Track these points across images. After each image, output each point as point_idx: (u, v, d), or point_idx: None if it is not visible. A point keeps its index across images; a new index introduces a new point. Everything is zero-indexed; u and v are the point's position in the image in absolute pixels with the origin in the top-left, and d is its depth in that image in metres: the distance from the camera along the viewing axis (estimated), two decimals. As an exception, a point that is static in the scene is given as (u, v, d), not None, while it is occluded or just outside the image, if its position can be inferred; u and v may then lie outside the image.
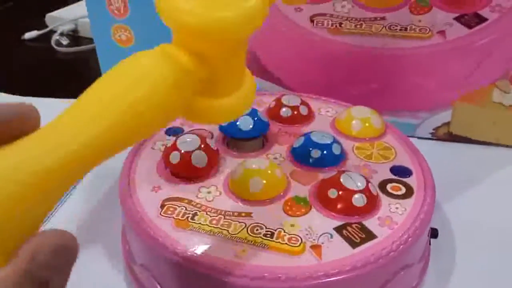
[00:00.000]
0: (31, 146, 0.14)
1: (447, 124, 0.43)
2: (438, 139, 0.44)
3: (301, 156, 0.31)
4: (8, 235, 0.12)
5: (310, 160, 0.31)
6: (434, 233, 0.31)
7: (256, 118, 0.33)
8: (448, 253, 0.32)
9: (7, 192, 0.12)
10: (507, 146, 0.43)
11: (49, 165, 0.14)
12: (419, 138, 0.43)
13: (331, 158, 0.31)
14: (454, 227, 0.35)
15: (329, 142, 0.31)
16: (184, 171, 0.30)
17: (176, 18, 0.18)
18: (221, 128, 0.33)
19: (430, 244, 0.31)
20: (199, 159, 0.29)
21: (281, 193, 0.28)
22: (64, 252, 0.13)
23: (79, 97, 0.17)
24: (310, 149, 0.31)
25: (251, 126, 0.32)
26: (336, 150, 0.31)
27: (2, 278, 0.11)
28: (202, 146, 0.30)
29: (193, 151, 0.29)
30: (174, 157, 0.30)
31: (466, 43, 0.39)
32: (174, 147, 0.30)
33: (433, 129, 0.44)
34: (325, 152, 0.31)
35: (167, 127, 0.34)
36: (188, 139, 0.30)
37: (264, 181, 0.28)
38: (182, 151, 0.29)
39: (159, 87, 0.18)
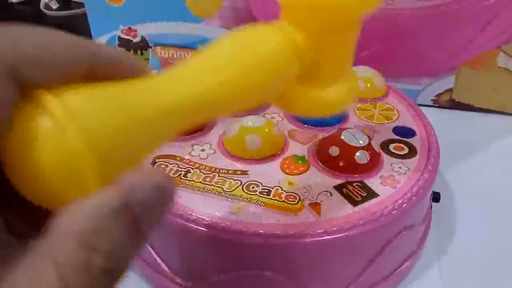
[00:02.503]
0: (152, 84, 0.13)
1: (450, 90, 0.42)
2: (440, 106, 0.43)
3: (301, 116, 0.30)
4: (112, 162, 0.11)
5: (312, 120, 0.29)
6: (436, 197, 0.30)
7: None
8: (449, 217, 0.32)
9: (122, 121, 0.12)
10: (510, 114, 0.42)
11: (167, 105, 0.13)
12: (420, 105, 0.42)
13: (334, 117, 0.29)
14: (455, 193, 0.34)
15: None
16: None
17: None
18: None
19: (431, 208, 0.30)
20: None
21: (279, 152, 0.27)
22: (163, 193, 0.12)
23: (203, 50, 0.17)
24: None
25: None
26: None
27: (98, 205, 0.10)
28: None
29: None
30: None
31: (471, 4, 0.37)
32: None
33: (435, 96, 0.42)
34: None
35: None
36: None
37: (261, 139, 0.26)
38: None
39: (277, 57, 0.17)
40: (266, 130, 0.27)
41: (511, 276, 0.28)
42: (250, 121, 0.27)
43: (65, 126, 0.10)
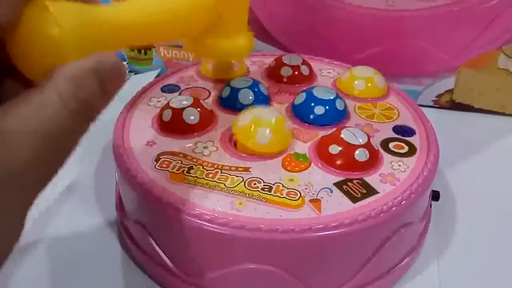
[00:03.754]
0: (105, 9, 0.19)
1: (450, 91, 0.42)
2: (441, 107, 0.43)
3: (302, 113, 0.30)
4: (84, 44, 0.17)
5: (312, 117, 0.30)
6: (435, 196, 0.30)
7: (257, 91, 0.31)
8: (449, 217, 0.32)
9: (89, 23, 0.18)
10: (510, 115, 0.42)
11: (114, 21, 0.20)
12: (421, 106, 0.42)
13: (334, 115, 0.30)
14: (455, 193, 0.34)
15: (331, 97, 0.30)
16: (177, 129, 0.28)
17: None
18: (221, 100, 0.32)
19: (431, 206, 0.30)
20: (191, 116, 0.29)
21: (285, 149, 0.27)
22: (120, 67, 0.17)
23: None
24: (313, 105, 0.30)
25: (251, 100, 0.31)
26: (339, 105, 0.30)
27: (81, 64, 0.16)
28: (195, 103, 0.29)
29: (184, 108, 0.29)
30: (167, 115, 0.29)
31: (473, 4, 0.37)
32: (167, 106, 0.29)
33: (436, 97, 0.43)
34: (327, 108, 0.30)
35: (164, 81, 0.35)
36: (180, 99, 0.29)
37: (272, 134, 0.26)
38: (174, 108, 0.29)
39: (192, 5, 0.24)
40: (278, 125, 0.27)
41: (509, 274, 0.28)
42: (263, 113, 0.27)
43: (56, 18, 0.16)
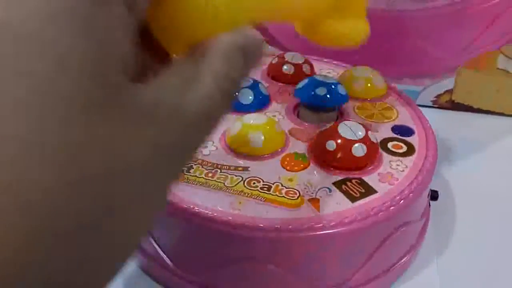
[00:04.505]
0: None
1: (450, 91, 0.42)
2: (440, 107, 0.43)
3: (304, 95, 0.30)
4: (233, 17, 0.16)
5: (314, 99, 0.30)
6: (434, 195, 0.30)
7: (257, 91, 0.31)
8: (447, 216, 0.32)
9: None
10: (509, 115, 0.42)
11: None
12: (420, 106, 0.42)
13: (337, 98, 0.30)
14: (454, 193, 0.34)
15: (334, 82, 0.30)
16: None
17: None
18: None
19: (429, 206, 0.30)
20: None
21: (279, 149, 0.28)
22: (260, 44, 0.17)
23: None
24: (315, 88, 0.30)
25: (251, 100, 0.31)
26: (341, 90, 0.30)
27: (232, 41, 0.15)
28: None
29: None
30: None
31: (471, 5, 0.37)
32: None
33: (435, 97, 0.43)
34: (331, 88, 0.30)
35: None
36: None
37: (264, 136, 0.27)
38: None
39: None
40: (268, 127, 0.27)
41: (508, 273, 0.28)
42: (252, 118, 0.28)
43: None
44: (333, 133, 0.27)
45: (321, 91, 0.30)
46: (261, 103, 0.31)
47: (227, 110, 0.16)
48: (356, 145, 0.26)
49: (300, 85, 0.31)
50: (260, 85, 0.32)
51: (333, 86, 0.30)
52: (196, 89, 0.14)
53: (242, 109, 0.31)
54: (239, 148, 0.27)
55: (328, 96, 0.30)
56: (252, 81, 0.32)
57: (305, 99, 0.30)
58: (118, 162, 0.12)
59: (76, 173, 0.11)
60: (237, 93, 0.16)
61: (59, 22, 0.11)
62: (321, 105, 0.30)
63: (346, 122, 0.27)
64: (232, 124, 0.28)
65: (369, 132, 0.27)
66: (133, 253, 0.14)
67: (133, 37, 0.13)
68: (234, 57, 0.15)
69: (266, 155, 0.27)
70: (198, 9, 0.16)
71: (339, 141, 0.26)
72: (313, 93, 0.30)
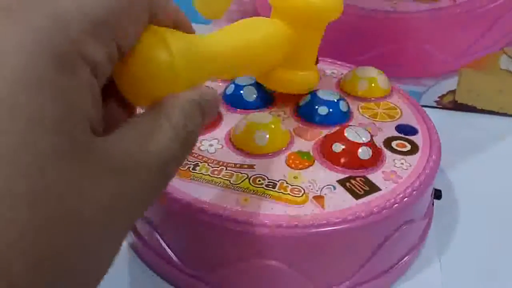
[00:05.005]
0: (203, 40, 0.20)
1: (453, 92, 0.42)
2: (443, 107, 0.43)
3: (307, 114, 0.31)
4: (190, 76, 0.18)
5: (316, 118, 0.30)
6: (437, 194, 0.31)
7: (261, 89, 0.32)
8: (451, 215, 0.32)
9: (197, 57, 0.18)
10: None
11: (213, 52, 0.21)
12: (423, 106, 0.43)
13: (338, 116, 0.30)
14: (458, 192, 0.34)
15: (335, 99, 0.31)
16: None
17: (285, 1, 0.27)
18: (225, 97, 0.32)
19: (433, 205, 0.31)
20: None
21: (284, 148, 0.28)
22: (216, 101, 0.19)
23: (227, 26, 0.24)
24: (317, 106, 0.30)
25: (255, 97, 0.31)
26: (343, 107, 0.30)
27: (188, 97, 0.17)
28: None
29: None
30: None
31: (475, 6, 0.38)
32: None
33: (438, 97, 0.43)
34: (331, 110, 0.30)
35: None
36: None
37: (268, 135, 0.27)
38: None
39: (275, 36, 0.27)
40: (273, 126, 0.28)
41: (511, 272, 0.29)
42: (257, 117, 0.28)
43: (168, 44, 0.17)
44: (340, 136, 0.27)
45: (322, 110, 0.30)
46: (265, 101, 0.32)
47: (185, 157, 0.17)
48: (362, 148, 0.26)
49: (302, 102, 0.31)
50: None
51: (334, 105, 0.30)
52: (156, 141, 0.15)
53: (246, 106, 0.31)
54: (244, 147, 0.28)
55: (330, 116, 0.30)
56: (254, 80, 0.32)
57: (307, 118, 0.30)
58: (83, 206, 0.13)
59: (46, 213, 0.12)
60: (193, 144, 0.17)
61: (30, 89, 0.12)
62: (323, 124, 0.30)
63: (352, 127, 0.28)
64: (238, 123, 0.28)
65: (374, 138, 0.27)
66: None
67: (98, 97, 0.14)
68: (191, 111, 0.17)
69: (271, 153, 0.27)
70: (159, 72, 0.16)
71: (345, 143, 0.26)
72: (315, 114, 0.30)
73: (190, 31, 0.19)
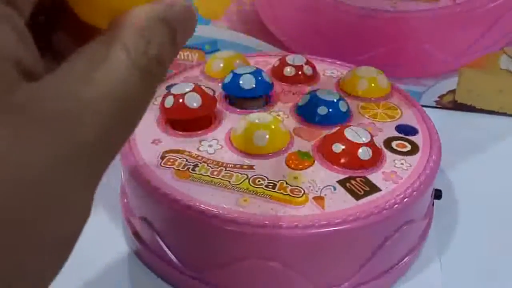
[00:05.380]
0: None
1: (453, 92, 0.42)
2: (443, 107, 0.43)
3: (306, 114, 0.31)
4: None
5: (316, 118, 0.30)
6: (437, 194, 0.30)
7: (260, 78, 0.32)
8: (451, 216, 0.32)
9: None
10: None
11: None
12: (423, 106, 0.43)
13: (338, 116, 0.30)
14: (458, 192, 0.34)
15: (335, 99, 0.30)
16: (179, 114, 0.29)
17: None
18: (224, 86, 0.32)
19: (433, 205, 0.31)
20: (193, 99, 0.28)
21: (284, 148, 0.28)
22: (191, 12, 0.15)
23: None
24: (316, 106, 0.30)
25: (253, 85, 0.31)
26: (342, 107, 0.30)
27: (149, 12, 0.14)
28: (196, 89, 0.29)
29: (186, 93, 0.29)
30: (168, 101, 0.29)
31: (475, 6, 0.38)
32: (168, 93, 0.29)
33: (438, 97, 0.43)
34: (331, 110, 0.30)
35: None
36: (182, 85, 0.30)
37: (268, 135, 0.27)
38: (175, 94, 0.29)
39: None
40: (273, 126, 0.28)
41: (511, 273, 0.29)
42: (257, 117, 0.28)
43: None
44: (340, 137, 0.27)
45: (321, 110, 0.30)
46: (263, 89, 0.31)
47: (154, 92, 0.14)
48: (362, 149, 0.26)
49: (302, 102, 0.31)
50: (263, 73, 0.32)
51: (334, 105, 0.30)
52: (107, 75, 0.12)
53: (244, 94, 0.31)
54: (244, 147, 0.27)
55: (329, 116, 0.30)
56: (255, 69, 0.32)
57: (307, 118, 0.30)
58: (19, 171, 0.11)
59: None
60: (166, 72, 0.14)
61: None
62: (323, 124, 0.30)
63: (352, 127, 0.27)
64: (237, 123, 0.28)
65: (374, 138, 0.27)
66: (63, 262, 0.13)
67: (23, 30, 0.12)
68: (152, 30, 0.13)
69: (271, 154, 0.27)
70: None
71: (345, 144, 0.26)
72: (315, 114, 0.30)
73: None
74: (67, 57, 0.13)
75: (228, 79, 0.32)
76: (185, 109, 0.28)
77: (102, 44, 0.13)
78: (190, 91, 0.29)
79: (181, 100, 0.28)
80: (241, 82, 0.31)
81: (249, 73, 0.31)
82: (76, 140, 0.12)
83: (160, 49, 0.14)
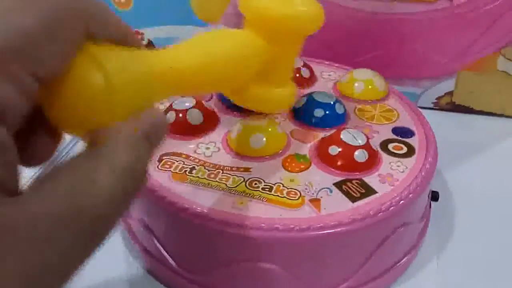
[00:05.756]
0: (152, 56, 0.18)
1: (450, 93, 0.42)
2: (441, 109, 0.43)
3: (303, 116, 0.31)
4: (130, 103, 0.15)
5: (313, 120, 0.30)
6: (434, 196, 0.31)
7: None
8: (448, 218, 0.32)
9: (136, 78, 0.16)
10: (510, 117, 0.42)
11: (162, 71, 0.18)
12: (421, 108, 0.43)
13: (334, 118, 0.30)
14: (455, 194, 0.34)
15: (331, 101, 0.31)
16: (180, 130, 0.29)
17: (259, 7, 0.24)
18: (221, 97, 0.32)
19: (430, 207, 0.31)
20: (195, 116, 0.29)
21: (281, 151, 0.28)
22: (164, 125, 0.16)
23: (188, 39, 0.21)
24: (313, 109, 0.30)
25: None
26: (339, 109, 0.30)
27: (125, 135, 0.14)
28: (198, 105, 0.30)
29: (188, 109, 0.29)
30: (170, 117, 0.29)
31: (472, 8, 0.38)
32: (170, 108, 0.30)
33: (436, 99, 0.43)
34: (327, 112, 0.30)
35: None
36: (183, 101, 0.30)
37: (265, 138, 0.27)
38: (177, 109, 0.29)
39: (247, 47, 0.24)
40: (270, 129, 0.28)
41: (508, 274, 0.29)
42: (253, 120, 0.28)
43: (108, 77, 0.14)
44: (336, 139, 0.27)
45: (318, 113, 0.30)
46: None
47: (128, 208, 0.14)
48: (358, 151, 0.26)
49: (298, 105, 0.31)
50: None
51: (330, 107, 0.30)
52: (94, 193, 0.12)
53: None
54: (241, 150, 0.28)
55: (325, 118, 0.30)
56: None
57: (303, 120, 0.30)
58: None
59: None
60: (141, 184, 0.14)
61: None
62: (319, 126, 0.30)
63: (349, 129, 0.28)
64: (234, 126, 0.28)
65: (371, 140, 0.27)
66: None
67: (7, 147, 0.12)
68: (139, 148, 0.14)
69: (267, 156, 0.27)
70: (92, 97, 0.14)
71: (341, 146, 0.27)
72: (311, 116, 0.30)
73: (136, 44, 0.17)
74: (44, 155, 0.14)
75: None
76: (187, 126, 0.29)
77: (87, 162, 0.13)
78: (192, 107, 0.29)
79: (181, 115, 0.29)
80: None
81: None
82: (43, 261, 0.12)
83: (144, 165, 0.14)
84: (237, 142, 0.28)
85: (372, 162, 0.27)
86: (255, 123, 0.28)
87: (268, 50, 0.24)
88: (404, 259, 0.27)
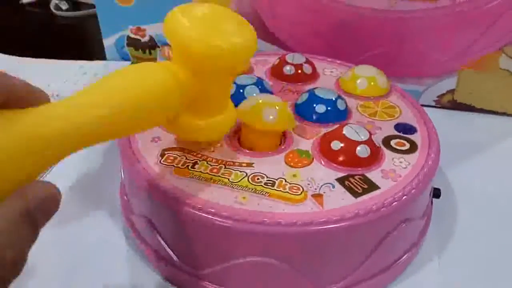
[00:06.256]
0: (37, 113, 0.16)
1: (452, 91, 0.42)
2: (442, 107, 0.43)
3: (305, 112, 0.31)
4: (8, 179, 0.14)
5: (314, 116, 0.30)
6: (436, 193, 0.30)
7: (260, 87, 0.32)
8: (450, 215, 0.32)
9: (12, 149, 0.14)
10: (511, 115, 0.42)
11: (46, 133, 0.16)
12: (422, 105, 0.43)
13: (336, 114, 0.30)
14: (457, 192, 0.34)
15: (333, 98, 0.31)
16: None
17: (180, 42, 0.22)
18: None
19: (432, 203, 0.31)
20: None
21: (283, 146, 0.28)
22: (53, 200, 0.15)
23: (92, 84, 0.19)
24: (315, 105, 0.30)
25: (256, 95, 0.31)
26: (340, 105, 0.30)
27: (6, 213, 0.13)
28: None
29: None
30: None
31: (474, 6, 0.38)
32: None
33: (437, 97, 0.43)
34: (329, 108, 0.30)
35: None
36: None
37: (277, 113, 0.27)
38: None
39: (159, 89, 0.21)
40: (282, 106, 0.28)
41: (509, 272, 0.29)
42: (267, 97, 0.28)
43: None
44: (339, 134, 0.27)
45: (320, 109, 0.30)
46: None
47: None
48: (360, 146, 0.26)
49: (300, 100, 0.31)
50: (264, 82, 0.32)
51: (332, 103, 0.30)
52: None
53: None
54: (251, 123, 0.27)
55: (327, 114, 0.30)
56: (256, 79, 0.32)
57: (305, 116, 0.30)
58: None
59: None
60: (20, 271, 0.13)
61: None
62: (321, 122, 0.30)
63: (351, 125, 0.28)
64: (246, 101, 0.28)
65: (373, 136, 0.27)
66: None
67: None
68: (12, 233, 0.12)
69: (269, 152, 0.27)
70: None
71: (344, 141, 0.26)
72: (313, 112, 0.30)
73: (41, 100, 0.15)
74: None
75: (231, 91, 0.31)
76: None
77: None
78: None
79: None
80: (245, 93, 0.31)
81: (253, 84, 0.32)
82: None
83: (20, 247, 0.13)
84: (249, 115, 0.27)
85: (375, 157, 0.27)
86: (269, 99, 0.28)
87: (194, 84, 0.23)
88: (405, 256, 0.27)
